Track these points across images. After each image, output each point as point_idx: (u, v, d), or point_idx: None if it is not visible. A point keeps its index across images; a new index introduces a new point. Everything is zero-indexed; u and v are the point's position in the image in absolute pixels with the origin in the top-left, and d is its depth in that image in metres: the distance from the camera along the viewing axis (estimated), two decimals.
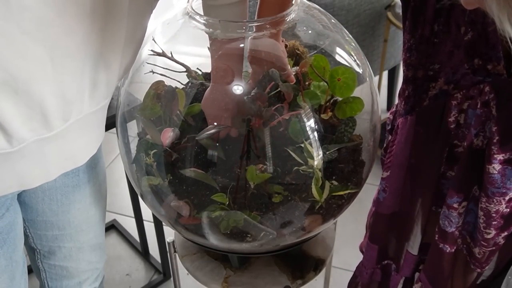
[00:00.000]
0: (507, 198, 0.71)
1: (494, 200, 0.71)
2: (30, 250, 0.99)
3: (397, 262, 0.91)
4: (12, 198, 0.82)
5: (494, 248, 0.77)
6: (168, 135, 0.80)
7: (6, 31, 0.57)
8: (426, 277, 0.86)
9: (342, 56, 0.87)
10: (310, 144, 0.79)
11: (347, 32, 0.91)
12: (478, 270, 0.80)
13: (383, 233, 0.89)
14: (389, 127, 0.87)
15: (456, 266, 0.83)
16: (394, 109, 0.86)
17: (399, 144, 0.79)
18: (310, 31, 0.89)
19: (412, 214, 0.83)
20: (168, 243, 0.98)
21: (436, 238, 0.80)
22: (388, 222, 0.87)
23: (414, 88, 0.75)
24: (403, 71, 0.77)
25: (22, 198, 0.88)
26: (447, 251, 0.80)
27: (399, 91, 0.81)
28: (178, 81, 0.89)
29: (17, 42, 0.59)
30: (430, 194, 0.80)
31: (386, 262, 0.93)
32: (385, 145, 0.88)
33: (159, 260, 1.75)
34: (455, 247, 0.80)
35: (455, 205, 0.76)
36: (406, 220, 0.85)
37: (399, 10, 2.09)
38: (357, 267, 0.98)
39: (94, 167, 0.94)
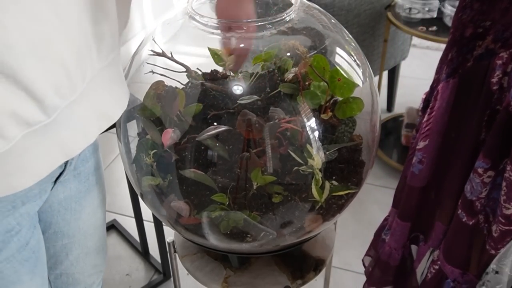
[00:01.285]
0: None
1: None
2: None
3: (425, 233, 0.89)
4: (35, 214, 0.81)
5: (511, 227, 0.74)
6: (169, 136, 0.80)
7: None
8: (443, 246, 0.84)
9: (342, 56, 0.87)
10: (310, 144, 0.79)
11: (347, 32, 0.91)
12: (493, 251, 0.78)
13: (415, 207, 0.87)
14: (422, 105, 0.86)
15: (473, 245, 0.81)
16: (428, 90, 0.85)
17: (440, 109, 0.77)
18: (310, 31, 0.89)
19: (446, 182, 0.81)
20: (168, 243, 0.98)
21: (459, 204, 0.79)
22: (420, 195, 0.85)
23: (458, 49, 0.75)
24: (450, 34, 0.77)
25: (38, 214, 0.87)
26: (463, 220, 0.78)
27: (441, 57, 0.79)
28: (178, 81, 0.89)
29: (25, 6, 0.58)
30: (466, 161, 0.77)
31: (414, 234, 0.92)
32: (417, 125, 0.86)
33: (159, 260, 1.75)
34: (473, 221, 0.78)
35: (480, 171, 0.73)
36: (440, 190, 0.83)
37: (399, 10, 2.09)
38: (383, 252, 0.96)
39: (99, 168, 0.93)
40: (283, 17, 0.81)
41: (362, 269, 1.80)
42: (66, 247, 0.94)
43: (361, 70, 0.87)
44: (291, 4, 0.84)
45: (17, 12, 0.57)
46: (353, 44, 0.89)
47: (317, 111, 0.85)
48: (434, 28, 1.96)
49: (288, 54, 0.87)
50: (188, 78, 0.90)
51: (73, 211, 0.90)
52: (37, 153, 0.69)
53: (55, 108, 0.66)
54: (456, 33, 0.75)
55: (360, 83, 0.87)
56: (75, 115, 0.71)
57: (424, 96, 0.86)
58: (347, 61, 0.86)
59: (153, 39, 0.86)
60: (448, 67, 0.76)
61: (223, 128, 0.80)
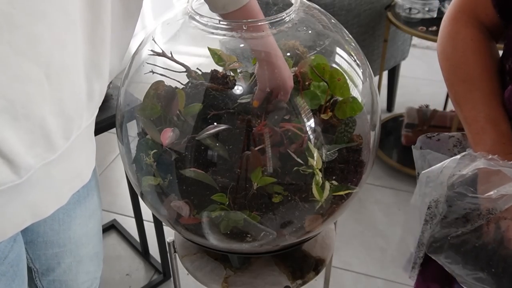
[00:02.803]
0: None
1: None
2: (27, 269, 0.95)
3: None
4: None
5: None
6: (168, 135, 0.80)
7: (0, 54, 0.54)
8: None
9: (342, 56, 0.87)
10: (310, 144, 0.79)
11: (347, 32, 0.91)
12: None
13: None
14: None
15: None
16: None
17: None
18: (310, 31, 0.89)
19: None
20: (168, 243, 0.98)
21: None
22: None
23: None
24: (504, 46, 0.75)
25: None
26: None
27: (504, 71, 0.78)
28: (178, 81, 0.89)
29: (11, 64, 0.55)
30: None
31: None
32: None
33: (159, 260, 1.75)
34: None
35: None
36: None
37: (399, 10, 2.09)
38: None
39: (91, 179, 0.91)
40: (283, 17, 0.81)
41: (362, 269, 1.80)
42: (58, 256, 0.93)
43: (361, 70, 0.87)
44: (291, 4, 0.84)
45: None
46: (353, 44, 0.89)
47: (317, 111, 0.85)
48: (434, 28, 1.96)
49: (288, 54, 0.87)
50: (188, 78, 0.90)
51: (61, 221, 0.88)
52: (3, 213, 0.66)
53: (28, 169, 0.63)
54: (510, 44, 0.74)
55: (360, 83, 0.87)
56: (51, 176, 0.68)
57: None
58: (347, 61, 0.86)
59: (153, 39, 0.86)
60: (510, 77, 0.75)
61: (222, 127, 0.80)
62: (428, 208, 0.71)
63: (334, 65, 0.85)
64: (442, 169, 0.69)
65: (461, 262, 0.72)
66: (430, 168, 0.70)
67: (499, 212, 0.66)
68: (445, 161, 0.69)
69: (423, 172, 0.71)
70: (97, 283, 1.06)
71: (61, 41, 0.59)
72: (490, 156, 0.67)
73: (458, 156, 0.68)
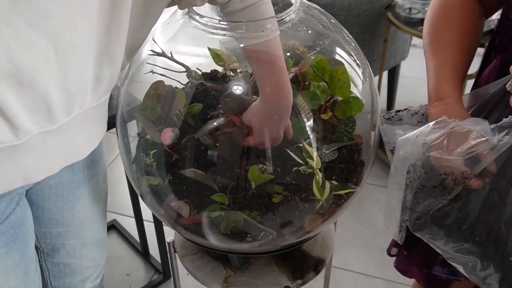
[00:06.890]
0: None
1: None
2: None
3: None
4: (21, 193, 0.83)
5: None
6: (168, 135, 0.80)
7: (13, 22, 0.58)
8: None
9: (342, 56, 0.87)
10: (310, 144, 0.79)
11: (347, 32, 0.91)
12: None
13: None
14: None
15: None
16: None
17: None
18: (310, 31, 0.89)
19: None
20: (168, 243, 0.98)
21: None
22: None
23: (504, 32, 0.75)
24: (498, 21, 0.77)
25: (28, 195, 0.88)
26: None
27: (488, 45, 0.78)
28: (178, 81, 0.89)
29: (22, 34, 0.59)
30: None
31: None
32: None
33: (159, 260, 1.75)
34: None
35: None
36: None
37: (399, 10, 2.09)
38: None
39: (97, 163, 0.95)
40: (283, 17, 0.81)
41: (362, 269, 1.80)
42: (62, 236, 0.96)
43: (361, 70, 0.87)
44: (291, 4, 0.84)
45: (10, 37, 0.58)
46: (353, 44, 0.89)
47: (317, 111, 0.85)
48: None
49: (288, 54, 0.87)
50: (188, 78, 0.90)
51: (65, 199, 0.91)
52: None
53: (26, 132, 0.66)
54: (503, 17, 0.74)
55: (360, 83, 0.87)
56: (46, 144, 0.71)
57: None
58: (347, 61, 0.86)
59: (153, 39, 0.86)
60: (497, 51, 0.75)
61: (221, 120, 0.80)
62: (408, 172, 0.72)
63: (337, 59, 0.85)
64: (417, 135, 0.70)
65: (444, 236, 0.72)
66: (405, 135, 0.71)
67: (473, 176, 0.66)
68: (420, 128, 0.70)
69: (400, 138, 0.72)
70: (100, 270, 1.08)
71: (73, 22, 0.63)
72: (462, 121, 0.68)
73: (432, 123, 0.70)
